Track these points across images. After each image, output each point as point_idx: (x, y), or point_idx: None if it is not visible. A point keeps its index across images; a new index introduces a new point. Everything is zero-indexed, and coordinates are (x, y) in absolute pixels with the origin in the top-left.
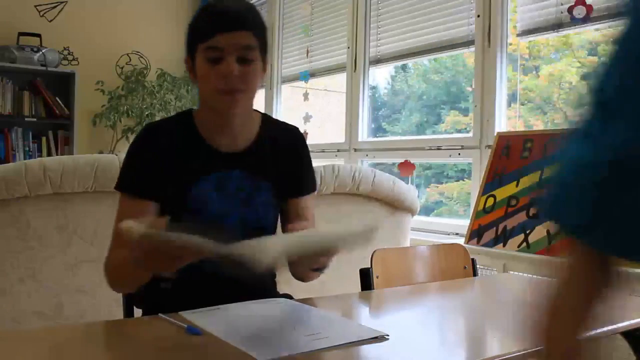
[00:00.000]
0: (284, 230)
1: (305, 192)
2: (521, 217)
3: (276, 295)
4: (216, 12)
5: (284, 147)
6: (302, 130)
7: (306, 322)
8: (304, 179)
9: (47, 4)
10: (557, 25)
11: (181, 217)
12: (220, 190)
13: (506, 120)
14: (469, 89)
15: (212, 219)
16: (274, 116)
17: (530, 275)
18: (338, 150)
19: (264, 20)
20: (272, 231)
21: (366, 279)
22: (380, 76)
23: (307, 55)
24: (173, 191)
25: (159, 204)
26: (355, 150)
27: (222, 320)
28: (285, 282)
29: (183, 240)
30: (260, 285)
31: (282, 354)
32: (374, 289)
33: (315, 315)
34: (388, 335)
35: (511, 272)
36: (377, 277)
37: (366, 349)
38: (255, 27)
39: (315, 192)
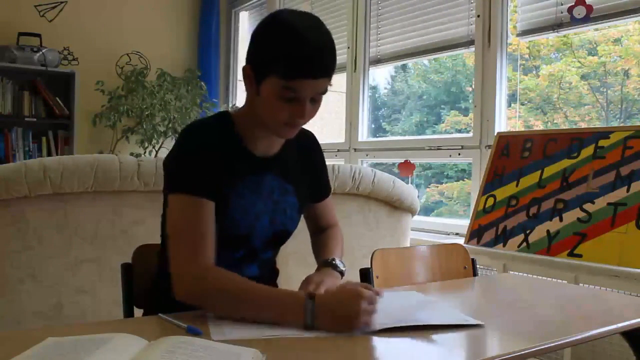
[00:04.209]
0: (312, 236)
1: (325, 195)
2: (521, 217)
3: None
4: (308, 54)
5: (304, 152)
6: None
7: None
8: (323, 183)
9: (47, 4)
10: (557, 25)
11: (223, 219)
12: (256, 193)
13: (506, 120)
14: (469, 89)
15: (250, 221)
16: None
17: (530, 275)
18: (338, 150)
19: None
20: (293, 232)
21: (366, 278)
22: (380, 76)
23: None
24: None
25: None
26: (355, 150)
27: None
28: (285, 280)
29: None
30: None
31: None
32: None
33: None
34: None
35: (511, 272)
36: (377, 277)
37: (366, 346)
38: (333, 70)
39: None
